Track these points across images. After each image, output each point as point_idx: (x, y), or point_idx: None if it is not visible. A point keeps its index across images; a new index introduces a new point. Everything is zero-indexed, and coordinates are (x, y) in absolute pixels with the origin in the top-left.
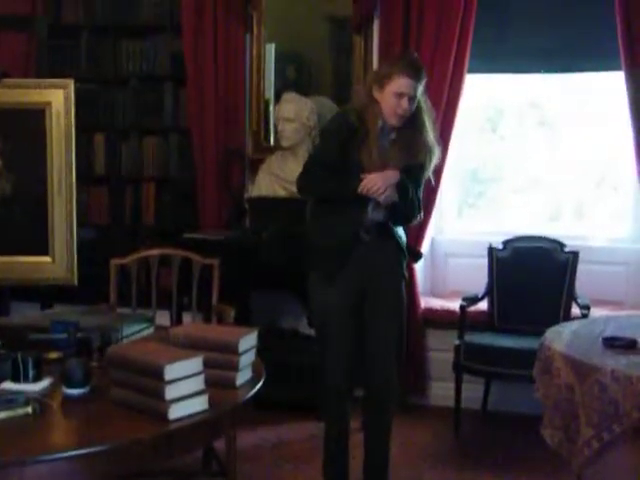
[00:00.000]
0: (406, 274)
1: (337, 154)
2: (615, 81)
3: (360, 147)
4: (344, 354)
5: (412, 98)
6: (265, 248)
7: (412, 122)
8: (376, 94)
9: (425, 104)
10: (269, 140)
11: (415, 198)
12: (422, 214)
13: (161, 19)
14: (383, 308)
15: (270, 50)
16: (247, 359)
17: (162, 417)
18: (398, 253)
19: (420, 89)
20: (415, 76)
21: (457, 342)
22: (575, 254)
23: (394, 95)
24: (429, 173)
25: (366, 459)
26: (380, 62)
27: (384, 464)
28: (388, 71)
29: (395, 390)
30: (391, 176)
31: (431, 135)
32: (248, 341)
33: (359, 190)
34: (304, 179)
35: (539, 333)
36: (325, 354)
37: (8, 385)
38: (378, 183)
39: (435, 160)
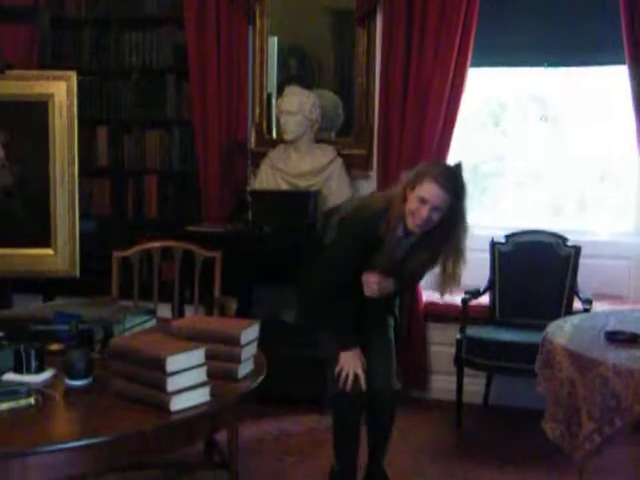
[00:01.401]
0: (399, 320)
1: (358, 259)
2: (618, 75)
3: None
4: None
5: (436, 209)
6: (268, 242)
7: (437, 230)
8: (408, 194)
9: (463, 224)
10: (272, 133)
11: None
12: None
13: (164, 11)
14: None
15: (273, 43)
16: (249, 351)
17: (164, 409)
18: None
19: (447, 201)
20: (444, 186)
21: (459, 336)
22: (577, 248)
23: (418, 199)
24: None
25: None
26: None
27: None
28: (422, 174)
29: (392, 397)
30: (385, 287)
31: (461, 247)
32: (250, 333)
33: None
34: (316, 292)
35: (541, 327)
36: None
37: (11, 376)
38: (373, 287)
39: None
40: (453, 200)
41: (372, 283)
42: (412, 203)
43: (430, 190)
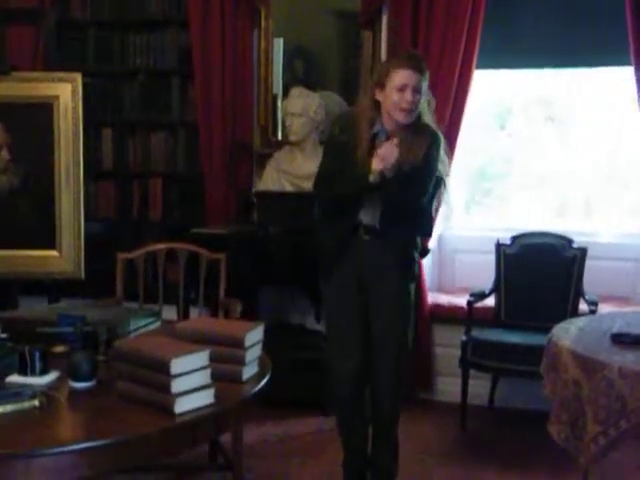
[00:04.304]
0: (415, 273)
1: (335, 167)
2: (624, 76)
3: (354, 152)
4: (350, 353)
5: (416, 90)
6: (273, 244)
7: (417, 126)
8: (379, 96)
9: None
10: (277, 135)
11: (413, 199)
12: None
13: (168, 13)
14: (384, 310)
15: (278, 45)
16: (253, 354)
17: (168, 411)
18: (402, 254)
19: (424, 83)
20: (415, 67)
21: (464, 338)
22: (583, 250)
23: (396, 90)
24: (442, 165)
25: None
26: (376, 65)
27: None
28: (386, 68)
29: (395, 406)
30: (390, 155)
31: (431, 122)
32: (254, 335)
33: (371, 173)
34: (319, 192)
35: (546, 329)
36: (332, 355)
37: (15, 378)
38: (381, 156)
39: (443, 145)
40: (424, 77)
41: (378, 154)
42: (391, 97)
43: (403, 75)
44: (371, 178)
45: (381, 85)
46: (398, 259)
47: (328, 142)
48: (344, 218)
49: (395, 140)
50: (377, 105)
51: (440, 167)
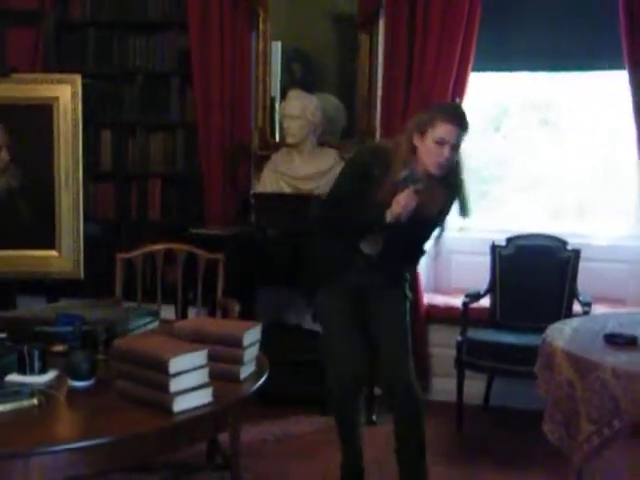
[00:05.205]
0: (409, 295)
1: (351, 192)
2: (619, 80)
3: (378, 189)
4: (350, 352)
5: (454, 147)
6: (271, 244)
7: (445, 178)
8: (417, 142)
9: (460, 158)
10: (275, 137)
11: (414, 244)
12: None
13: (168, 15)
14: (384, 310)
15: (276, 47)
16: (251, 353)
17: (167, 410)
18: (395, 277)
19: (462, 139)
20: (460, 124)
21: (459, 338)
22: (577, 252)
23: (435, 143)
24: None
25: (399, 459)
26: (421, 110)
27: (419, 462)
28: (430, 118)
29: (411, 387)
30: (409, 204)
31: (460, 196)
32: (252, 335)
33: (387, 215)
34: (327, 212)
35: (541, 330)
36: (331, 353)
37: (14, 377)
38: (401, 202)
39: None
40: (464, 133)
41: (399, 199)
42: (429, 148)
43: (446, 130)
44: (387, 219)
45: (422, 132)
46: (390, 279)
47: (353, 166)
48: (345, 243)
49: (414, 189)
50: (413, 149)
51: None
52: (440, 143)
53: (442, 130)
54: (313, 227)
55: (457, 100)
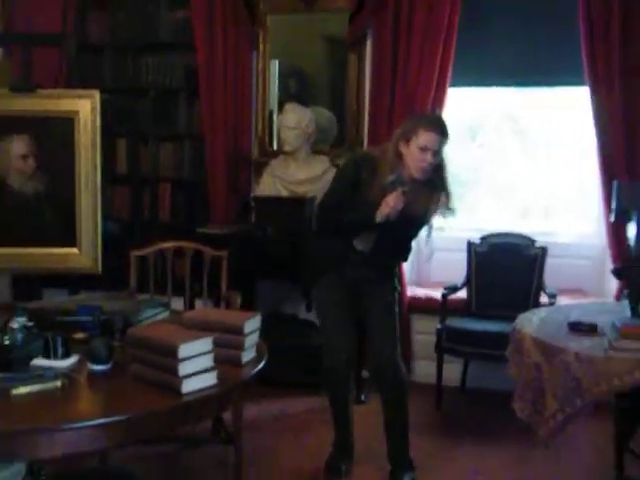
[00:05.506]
0: (399, 288)
1: (344, 195)
2: (581, 95)
3: (368, 191)
4: (344, 333)
5: (436, 153)
6: (269, 242)
7: (430, 181)
8: (402, 148)
9: (444, 163)
10: (273, 145)
11: (402, 241)
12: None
13: (177, 37)
14: (375, 301)
15: (274, 65)
16: (252, 340)
17: (176, 391)
18: (386, 271)
19: (444, 146)
20: (441, 132)
21: (439, 326)
22: (544, 249)
23: (419, 149)
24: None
25: (387, 434)
26: (405, 119)
27: (404, 434)
28: (414, 127)
29: (397, 367)
30: (397, 205)
31: (448, 181)
32: (252, 324)
33: (378, 215)
34: (324, 214)
35: (511, 318)
36: (327, 336)
37: (40, 361)
38: (390, 203)
39: (433, 221)
40: (445, 140)
41: (388, 201)
42: (413, 154)
43: (428, 138)
44: (377, 218)
45: (406, 140)
46: (382, 274)
47: (344, 173)
48: (340, 241)
49: (401, 190)
50: (399, 155)
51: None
52: (423, 149)
53: (424, 138)
54: (313, 227)
55: (437, 111)
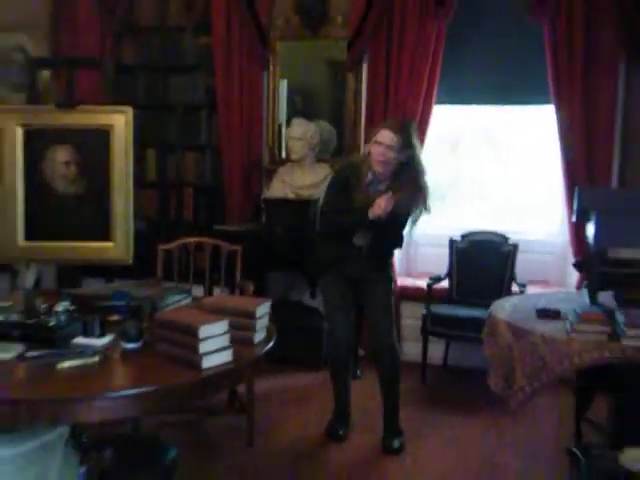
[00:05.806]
0: (393, 278)
1: (339, 201)
2: (548, 113)
3: (358, 193)
4: (346, 315)
5: (389, 147)
6: (278, 238)
7: (401, 177)
8: (370, 148)
9: (418, 164)
10: (281, 154)
11: (394, 233)
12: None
13: (200, 60)
14: (376, 297)
15: (283, 85)
16: (262, 323)
17: (197, 366)
18: (382, 264)
19: (397, 141)
20: (391, 127)
21: (424, 312)
22: (515, 245)
23: (374, 144)
24: (413, 217)
25: (384, 405)
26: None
27: (395, 405)
28: (375, 128)
29: (394, 348)
30: (388, 205)
31: (418, 191)
32: (263, 309)
33: (370, 214)
34: (325, 220)
35: (487, 305)
36: (331, 319)
37: (79, 340)
38: (381, 206)
39: (418, 210)
40: (402, 141)
41: (380, 203)
42: (373, 149)
43: (383, 133)
44: (370, 217)
45: (371, 140)
46: (379, 265)
47: (335, 181)
48: (341, 239)
49: (391, 194)
50: (369, 154)
51: (417, 210)
52: (378, 144)
53: (380, 134)
54: (317, 227)
55: (414, 119)
